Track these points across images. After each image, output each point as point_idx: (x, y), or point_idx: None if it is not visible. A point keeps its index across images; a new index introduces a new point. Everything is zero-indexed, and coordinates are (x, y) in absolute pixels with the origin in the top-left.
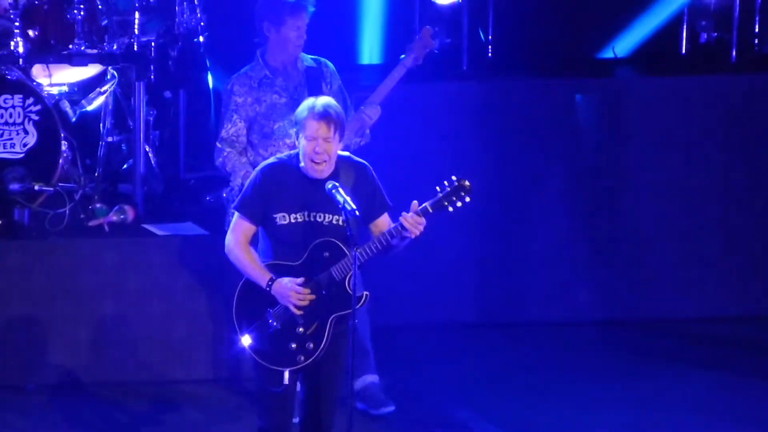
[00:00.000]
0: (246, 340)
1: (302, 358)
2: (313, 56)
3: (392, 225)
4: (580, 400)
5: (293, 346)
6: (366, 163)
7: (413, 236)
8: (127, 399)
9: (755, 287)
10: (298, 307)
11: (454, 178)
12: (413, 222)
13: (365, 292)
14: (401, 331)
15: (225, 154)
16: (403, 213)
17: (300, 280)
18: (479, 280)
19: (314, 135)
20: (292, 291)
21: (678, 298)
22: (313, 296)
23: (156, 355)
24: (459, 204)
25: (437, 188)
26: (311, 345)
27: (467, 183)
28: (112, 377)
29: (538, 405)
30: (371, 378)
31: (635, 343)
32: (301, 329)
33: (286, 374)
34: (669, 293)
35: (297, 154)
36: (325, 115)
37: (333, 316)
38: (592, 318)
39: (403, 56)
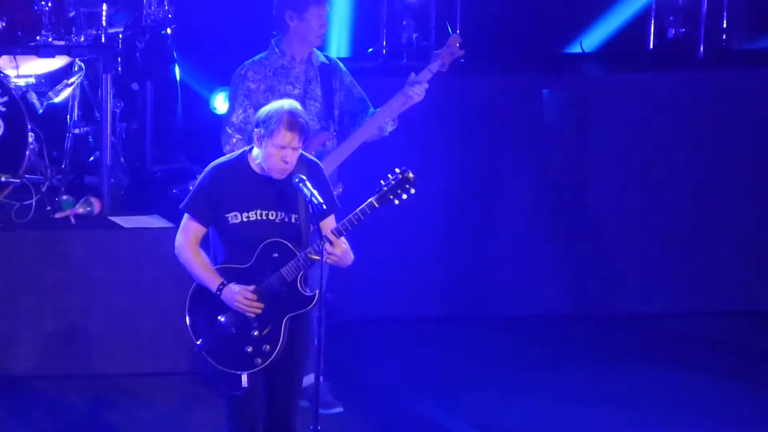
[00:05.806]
0: (202, 345)
1: (259, 360)
2: (325, 53)
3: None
4: (546, 394)
5: (249, 349)
6: (318, 161)
7: (328, 261)
8: (94, 392)
9: (722, 283)
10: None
11: (397, 170)
12: (331, 249)
13: (317, 290)
14: (368, 326)
15: (234, 141)
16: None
17: (251, 288)
18: (446, 276)
19: (284, 144)
20: (240, 297)
21: (645, 294)
22: (262, 304)
23: (123, 348)
24: (404, 196)
25: (381, 182)
26: (267, 347)
27: (411, 175)
28: (78, 370)
29: (505, 399)
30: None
31: (602, 338)
32: (255, 332)
33: (245, 377)
34: (636, 288)
35: (247, 152)
36: (297, 126)
37: (287, 317)
38: (559, 313)
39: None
